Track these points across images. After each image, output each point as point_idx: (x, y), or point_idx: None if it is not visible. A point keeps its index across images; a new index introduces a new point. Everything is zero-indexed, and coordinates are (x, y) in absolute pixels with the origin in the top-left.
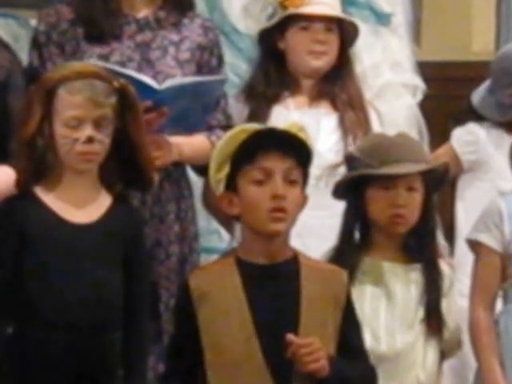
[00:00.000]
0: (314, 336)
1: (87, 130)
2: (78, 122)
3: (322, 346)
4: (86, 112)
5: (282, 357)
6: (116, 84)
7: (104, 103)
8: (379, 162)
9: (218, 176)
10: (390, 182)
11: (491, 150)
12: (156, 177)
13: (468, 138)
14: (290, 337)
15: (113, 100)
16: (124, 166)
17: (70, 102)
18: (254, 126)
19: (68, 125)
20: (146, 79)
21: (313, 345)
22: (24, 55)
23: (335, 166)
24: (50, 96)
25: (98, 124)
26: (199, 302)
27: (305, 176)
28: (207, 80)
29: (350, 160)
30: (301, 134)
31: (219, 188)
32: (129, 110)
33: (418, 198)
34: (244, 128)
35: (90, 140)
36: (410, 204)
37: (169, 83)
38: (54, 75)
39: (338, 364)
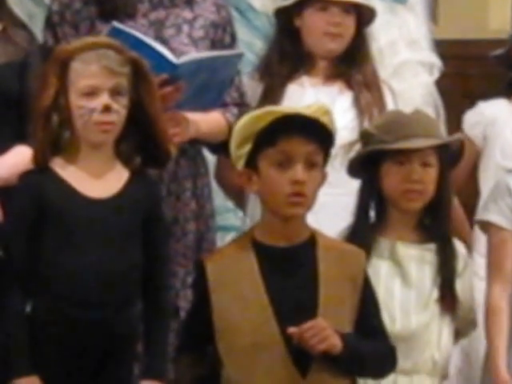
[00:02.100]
0: (332, 317)
1: (104, 99)
2: (94, 92)
3: (326, 325)
4: (101, 81)
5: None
6: (128, 55)
7: (119, 71)
8: (394, 138)
9: (239, 152)
10: (404, 157)
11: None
12: (173, 150)
13: (475, 119)
14: (290, 330)
15: (127, 70)
16: (141, 140)
17: (86, 72)
18: (281, 109)
19: (84, 95)
20: (166, 52)
21: (316, 326)
22: (38, 33)
23: (351, 145)
24: (64, 68)
25: (114, 93)
26: (215, 286)
27: (326, 156)
28: (225, 54)
29: (365, 137)
30: (325, 118)
31: (239, 163)
32: (143, 82)
33: (432, 173)
34: (271, 110)
35: (106, 108)
36: (425, 180)
37: (187, 57)
38: (67, 47)
39: (351, 340)
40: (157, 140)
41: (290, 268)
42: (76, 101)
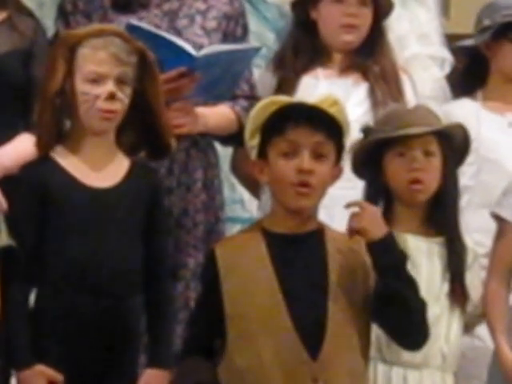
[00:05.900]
0: (343, 302)
1: (109, 86)
2: (99, 79)
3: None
4: (108, 68)
5: (312, 323)
6: (136, 45)
7: (126, 61)
8: (394, 128)
9: (251, 143)
10: (405, 147)
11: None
12: (174, 143)
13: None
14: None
15: (134, 59)
16: (142, 132)
17: (93, 58)
18: (284, 99)
19: (89, 81)
20: (185, 45)
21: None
22: (49, 22)
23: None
24: (72, 53)
25: (119, 82)
26: (225, 273)
27: (339, 149)
28: (243, 48)
29: (366, 131)
30: (333, 109)
31: (252, 154)
32: (147, 73)
33: (435, 163)
34: (274, 100)
35: (111, 96)
36: (428, 168)
37: (206, 50)
38: (76, 32)
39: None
40: (158, 132)
41: (300, 254)
42: (81, 86)
